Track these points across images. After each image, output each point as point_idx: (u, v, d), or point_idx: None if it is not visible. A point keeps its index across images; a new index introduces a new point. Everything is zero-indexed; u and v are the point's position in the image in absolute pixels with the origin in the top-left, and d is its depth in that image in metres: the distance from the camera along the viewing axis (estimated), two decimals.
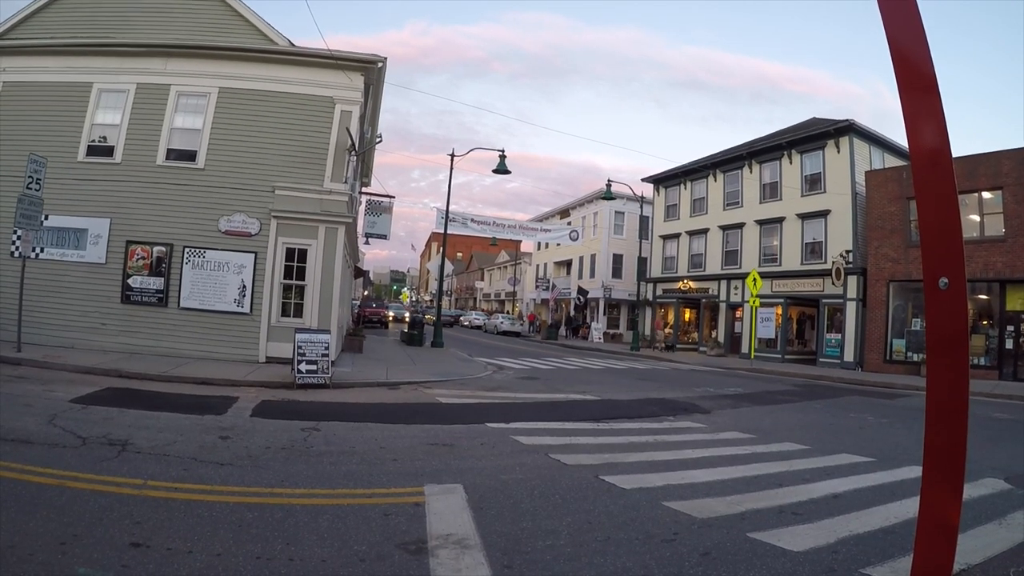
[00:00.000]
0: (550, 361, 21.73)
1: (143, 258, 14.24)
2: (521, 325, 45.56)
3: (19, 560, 3.43)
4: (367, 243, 26.25)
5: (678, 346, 32.96)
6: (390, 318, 44.24)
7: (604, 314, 43.80)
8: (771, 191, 29.12)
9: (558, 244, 44.46)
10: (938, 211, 1.49)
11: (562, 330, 41.87)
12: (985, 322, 20.64)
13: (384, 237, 24.08)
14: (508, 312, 58.31)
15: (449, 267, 69.63)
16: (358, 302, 31.82)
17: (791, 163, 28.03)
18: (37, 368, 11.00)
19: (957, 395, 1.47)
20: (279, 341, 13.81)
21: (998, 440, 9.35)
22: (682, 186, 34.90)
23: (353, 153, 15.21)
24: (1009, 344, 19.84)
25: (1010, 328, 19.92)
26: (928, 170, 1.50)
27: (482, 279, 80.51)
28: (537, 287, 54.46)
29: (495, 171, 24.33)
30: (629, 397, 13.17)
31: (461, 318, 59.31)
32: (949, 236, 1.47)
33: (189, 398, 9.49)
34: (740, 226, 30.41)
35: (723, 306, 31.19)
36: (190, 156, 14.61)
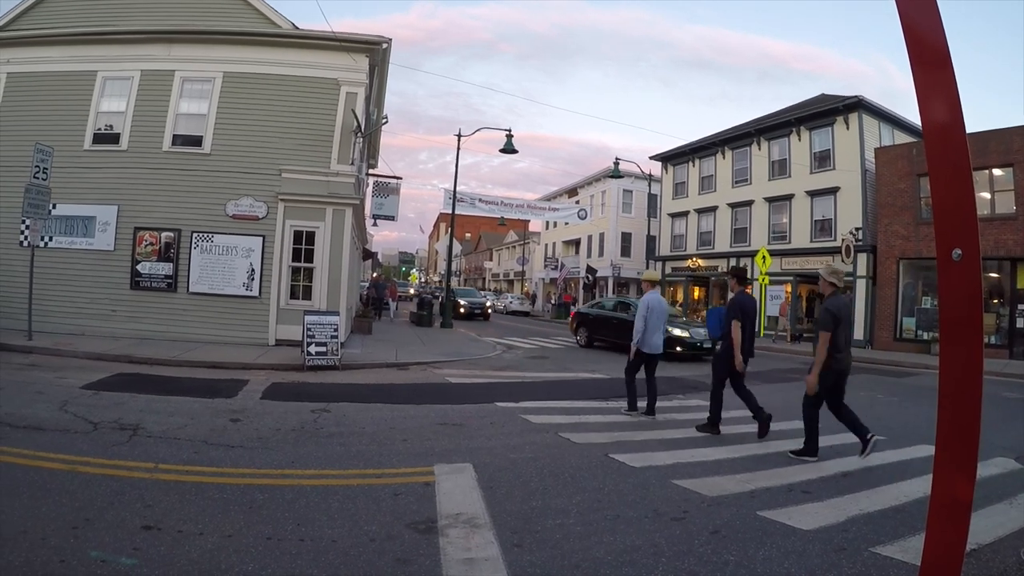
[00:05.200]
0: (559, 340, 21.73)
1: (151, 244, 14.28)
2: (531, 305, 45.48)
3: (32, 545, 3.46)
4: (375, 225, 26.25)
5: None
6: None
7: (614, 292, 43.69)
8: (780, 168, 28.80)
9: (566, 223, 44.35)
10: (951, 181, 1.44)
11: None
12: (996, 300, 20.35)
13: (392, 218, 24.04)
14: (517, 292, 58.29)
15: (457, 247, 69.55)
16: (367, 283, 31.88)
17: (800, 140, 27.69)
18: (48, 356, 11.09)
19: (971, 369, 1.43)
20: (288, 324, 13.85)
21: (1009, 419, 9.29)
22: (690, 164, 34.60)
23: (359, 135, 15.14)
24: (1020, 323, 19.56)
25: (1021, 307, 19.63)
26: (941, 139, 1.45)
27: (491, 259, 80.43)
28: (546, 266, 54.37)
29: (502, 151, 24.13)
30: None
31: None
32: (962, 206, 1.43)
33: (199, 382, 9.55)
34: (749, 203, 30.14)
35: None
36: (196, 141, 14.59)
